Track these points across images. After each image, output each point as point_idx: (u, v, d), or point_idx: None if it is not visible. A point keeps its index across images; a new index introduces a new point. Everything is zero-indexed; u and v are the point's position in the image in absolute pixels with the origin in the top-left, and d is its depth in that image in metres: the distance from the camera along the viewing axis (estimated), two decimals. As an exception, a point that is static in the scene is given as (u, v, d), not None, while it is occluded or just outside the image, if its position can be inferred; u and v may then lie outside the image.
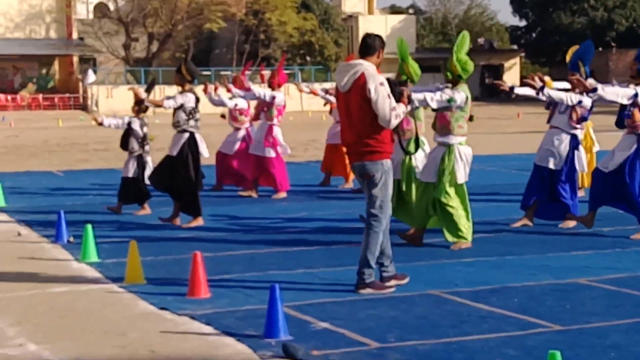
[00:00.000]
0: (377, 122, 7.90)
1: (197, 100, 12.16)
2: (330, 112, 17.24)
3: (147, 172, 13.29)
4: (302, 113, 53.45)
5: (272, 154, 15.17)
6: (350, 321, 7.10)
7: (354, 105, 7.95)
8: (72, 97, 59.71)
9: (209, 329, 6.98)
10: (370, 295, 7.94)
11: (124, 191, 13.40)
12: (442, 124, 10.16)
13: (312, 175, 18.54)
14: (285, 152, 15.46)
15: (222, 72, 59.27)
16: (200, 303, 7.77)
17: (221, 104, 15.64)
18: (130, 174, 13.36)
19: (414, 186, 10.95)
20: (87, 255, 9.78)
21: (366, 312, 7.39)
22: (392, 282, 8.17)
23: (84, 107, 58.42)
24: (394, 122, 7.90)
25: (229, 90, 15.75)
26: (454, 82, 10.22)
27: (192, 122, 12.02)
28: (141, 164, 13.41)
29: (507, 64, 69.54)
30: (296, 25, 59.12)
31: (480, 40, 72.37)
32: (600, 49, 62.05)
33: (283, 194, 15.09)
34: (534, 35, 70.74)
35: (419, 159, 11.05)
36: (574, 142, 11.45)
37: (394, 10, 77.95)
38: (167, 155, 12.17)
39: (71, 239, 10.95)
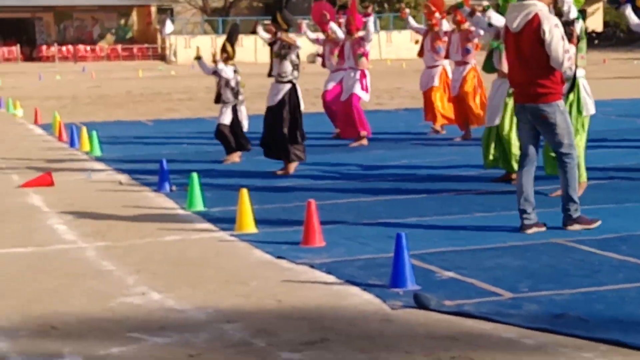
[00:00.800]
0: (550, 63, 7.79)
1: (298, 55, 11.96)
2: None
3: (245, 122, 13.13)
4: (381, 61, 52.95)
5: (360, 93, 14.91)
6: (477, 270, 6.85)
7: (526, 46, 7.86)
8: (150, 47, 59.97)
9: (331, 278, 6.79)
10: (495, 244, 7.67)
11: (225, 139, 13.17)
12: None
13: (403, 122, 18.28)
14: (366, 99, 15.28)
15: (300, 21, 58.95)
16: (316, 252, 7.58)
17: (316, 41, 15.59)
18: (227, 122, 13.15)
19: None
20: (194, 204, 9.65)
21: (492, 261, 7.12)
22: (534, 230, 8.06)
23: (162, 57, 58.66)
24: (567, 65, 7.78)
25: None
26: None
27: (295, 73, 11.79)
28: (235, 113, 13.19)
29: (589, 10, 67.95)
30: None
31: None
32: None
33: (365, 141, 14.82)
34: (616, -21, 68.99)
35: None
36: None
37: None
38: (269, 110, 11.91)
39: (173, 188, 10.84)
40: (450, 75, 15.71)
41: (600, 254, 7.30)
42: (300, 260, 7.31)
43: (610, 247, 7.47)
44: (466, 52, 14.82)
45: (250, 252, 7.74)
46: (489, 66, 10.68)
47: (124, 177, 12.04)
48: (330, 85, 15.81)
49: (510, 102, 10.54)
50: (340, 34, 15.18)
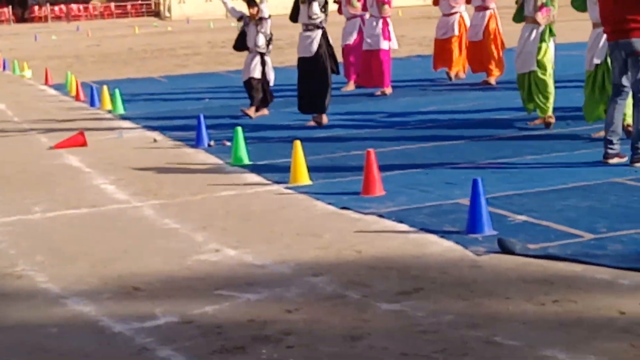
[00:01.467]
0: None
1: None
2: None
3: (271, 74, 12.93)
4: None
5: (387, 47, 14.77)
6: (548, 212, 6.81)
7: None
8: (144, 3, 59.51)
9: (403, 226, 6.73)
10: (558, 186, 7.63)
11: (255, 93, 12.96)
12: None
13: (419, 69, 18.16)
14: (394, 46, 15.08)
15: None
16: (380, 201, 7.53)
17: None
18: (258, 75, 12.89)
19: (550, 75, 10.53)
20: (239, 158, 9.56)
21: (560, 203, 7.08)
22: (616, 160, 8.30)
23: (156, 14, 58.21)
24: None
25: None
26: None
27: (323, 16, 11.62)
28: (264, 65, 12.97)
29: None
30: None
31: None
32: None
33: (390, 90, 14.70)
34: None
35: (552, 48, 10.60)
36: None
37: None
38: (302, 61, 11.76)
39: (212, 143, 10.75)
40: (467, 22, 15.62)
41: (666, 191, 7.26)
42: (366, 210, 7.25)
43: (674, 185, 7.45)
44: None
45: (312, 203, 7.67)
46: (519, 17, 10.59)
47: (156, 134, 11.93)
48: (352, 39, 15.48)
49: (544, 46, 10.44)
50: None
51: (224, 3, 13.40)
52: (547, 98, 10.50)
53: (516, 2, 10.60)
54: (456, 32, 15.71)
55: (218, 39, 32.62)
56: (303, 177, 8.42)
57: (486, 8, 14.81)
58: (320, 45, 11.57)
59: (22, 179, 9.53)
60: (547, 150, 9.23)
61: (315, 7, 11.52)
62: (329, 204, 7.59)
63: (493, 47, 14.84)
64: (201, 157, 10.20)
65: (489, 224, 6.40)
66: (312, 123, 11.81)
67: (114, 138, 11.96)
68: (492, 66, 14.90)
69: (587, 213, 6.75)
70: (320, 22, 11.59)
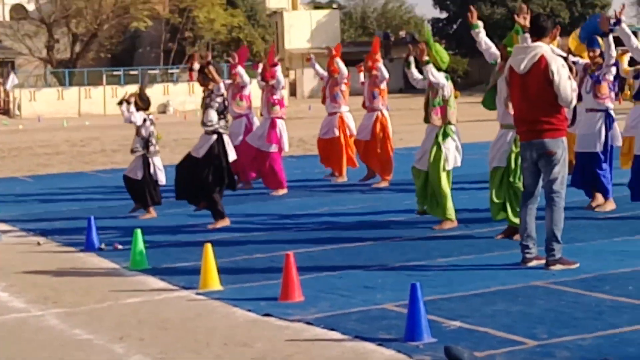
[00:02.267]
0: (556, 101, 8.10)
1: (225, 104, 11.55)
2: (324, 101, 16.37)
3: (160, 175, 12.58)
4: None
5: (276, 149, 14.63)
6: (481, 318, 6.66)
7: (533, 86, 8.11)
8: (-7, 102, 57.85)
9: (336, 334, 6.45)
10: (481, 290, 7.50)
11: (134, 192, 12.60)
12: None
13: (298, 170, 18.06)
14: (284, 148, 14.97)
15: (150, 71, 58.28)
16: (301, 307, 7.23)
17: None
18: (138, 176, 12.53)
19: (443, 177, 10.54)
20: (139, 262, 9.11)
21: (490, 308, 6.95)
22: (534, 262, 8.32)
23: (5, 112, 56.66)
24: (574, 102, 8.25)
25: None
26: None
27: (222, 123, 11.37)
28: (147, 165, 12.61)
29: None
30: (224, 22, 58.19)
31: (402, 34, 72.45)
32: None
33: (285, 190, 14.54)
34: (455, 26, 70.99)
35: (450, 149, 10.63)
36: None
37: (316, 5, 77.46)
38: (189, 157, 11.44)
39: (103, 246, 10.27)
40: (350, 122, 15.76)
41: (590, 295, 7.25)
42: (291, 317, 6.93)
43: (595, 288, 7.45)
44: (372, 97, 14.82)
45: (229, 310, 7.31)
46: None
47: (37, 237, 11.30)
48: (238, 140, 15.15)
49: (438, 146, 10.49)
50: (246, 78, 14.88)
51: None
52: (444, 199, 10.47)
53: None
54: (336, 133, 15.76)
55: (75, 138, 31.91)
56: (214, 282, 8.06)
57: (374, 109, 14.93)
58: (212, 148, 11.24)
59: None
60: (455, 252, 9.14)
61: (211, 114, 11.27)
62: (249, 310, 7.24)
63: (378, 149, 14.93)
64: (94, 261, 9.70)
65: (427, 330, 6.19)
66: (210, 227, 11.39)
67: (-7, 241, 11.29)
68: (380, 169, 14.93)
69: (520, 318, 6.63)
70: (216, 129, 11.30)
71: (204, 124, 11.36)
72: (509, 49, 9.32)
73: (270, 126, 14.60)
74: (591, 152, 11.25)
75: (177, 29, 60.03)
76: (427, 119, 10.62)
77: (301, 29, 67.14)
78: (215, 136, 11.30)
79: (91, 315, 7.35)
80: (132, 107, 12.52)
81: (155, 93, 55.69)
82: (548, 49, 8.19)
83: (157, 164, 12.66)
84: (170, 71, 58.39)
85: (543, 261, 8.30)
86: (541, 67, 8.04)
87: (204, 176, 11.21)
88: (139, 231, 9.22)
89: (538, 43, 8.14)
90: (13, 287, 8.52)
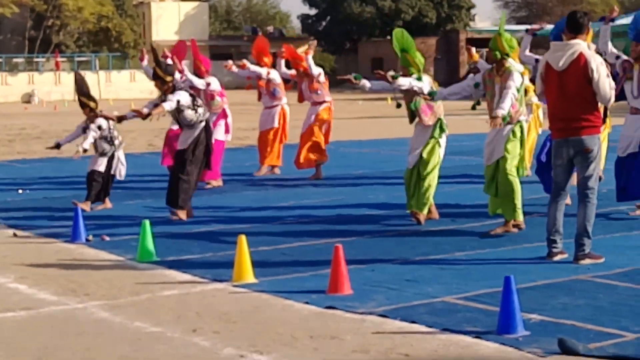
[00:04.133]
0: (594, 98, 8.18)
1: (191, 93, 11.30)
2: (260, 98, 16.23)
3: (121, 169, 12.15)
4: (102, 101, 51.51)
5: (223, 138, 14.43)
6: (556, 311, 6.65)
7: (571, 83, 8.15)
8: None
9: (420, 327, 6.32)
10: (529, 283, 7.49)
11: (95, 187, 12.08)
12: None
13: (229, 163, 17.73)
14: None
15: (15, 60, 56.35)
16: (356, 299, 7.07)
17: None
18: (102, 169, 12.05)
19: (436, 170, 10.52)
20: (148, 254, 8.75)
21: (555, 301, 6.96)
22: (559, 257, 8.42)
23: None
24: (613, 100, 8.28)
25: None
26: (502, 61, 9.86)
27: (201, 111, 11.08)
28: (110, 162, 12.17)
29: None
30: (92, 10, 56.80)
31: (269, 29, 72.45)
32: (388, 37, 63.52)
33: (220, 182, 14.33)
34: (324, 23, 71.41)
35: (443, 144, 10.67)
36: None
37: (182, -4, 76.68)
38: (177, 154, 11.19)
39: (90, 237, 9.83)
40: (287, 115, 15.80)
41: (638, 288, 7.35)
42: (357, 309, 6.78)
43: (637, 280, 7.56)
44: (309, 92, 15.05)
45: (285, 303, 7.09)
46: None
47: (9, 229, 10.68)
48: (176, 126, 14.84)
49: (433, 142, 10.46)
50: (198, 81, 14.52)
51: None
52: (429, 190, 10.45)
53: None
54: (275, 124, 15.74)
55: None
56: (248, 274, 7.81)
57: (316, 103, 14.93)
58: (198, 137, 11.01)
59: None
60: (467, 247, 9.08)
61: (188, 114, 11.01)
62: (306, 303, 7.04)
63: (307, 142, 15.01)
64: (90, 252, 9.26)
65: (521, 324, 6.15)
66: (175, 217, 11.10)
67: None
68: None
69: (594, 311, 6.66)
70: (194, 124, 11.06)
71: (187, 126, 11.11)
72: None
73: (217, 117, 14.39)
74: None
75: (43, 16, 58.28)
76: (412, 120, 10.60)
77: (169, 20, 66.35)
78: (201, 125, 11.08)
79: (138, 308, 7.01)
80: (91, 138, 11.97)
81: (20, 82, 54.11)
82: (586, 47, 8.29)
83: (122, 157, 12.24)
84: (35, 60, 56.66)
85: (566, 255, 8.41)
86: (580, 65, 8.10)
87: (187, 161, 10.99)
88: (147, 222, 8.86)
89: (576, 40, 8.19)
90: (26, 280, 8.05)
